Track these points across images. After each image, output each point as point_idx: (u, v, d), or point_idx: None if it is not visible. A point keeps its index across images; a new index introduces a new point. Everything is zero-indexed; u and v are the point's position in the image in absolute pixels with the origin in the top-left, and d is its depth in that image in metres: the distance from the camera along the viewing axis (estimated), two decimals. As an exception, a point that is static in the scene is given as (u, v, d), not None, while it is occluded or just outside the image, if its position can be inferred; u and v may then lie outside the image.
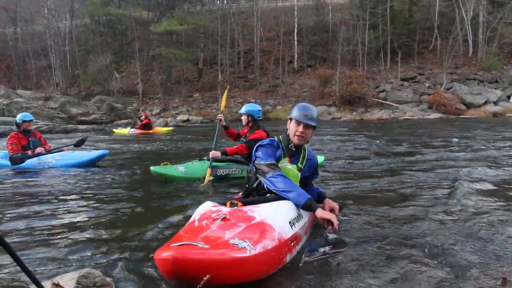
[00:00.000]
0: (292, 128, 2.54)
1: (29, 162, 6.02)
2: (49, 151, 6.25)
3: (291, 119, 2.56)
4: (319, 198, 2.72)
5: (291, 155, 2.61)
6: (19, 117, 6.22)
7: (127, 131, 15.42)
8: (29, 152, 6.11)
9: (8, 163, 6.01)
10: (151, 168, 4.58)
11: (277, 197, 2.36)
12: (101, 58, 32.59)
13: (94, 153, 6.27)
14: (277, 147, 2.58)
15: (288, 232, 2.00)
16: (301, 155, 2.65)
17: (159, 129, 16.35)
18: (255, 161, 2.52)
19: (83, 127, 18.92)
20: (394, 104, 25.71)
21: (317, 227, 2.64)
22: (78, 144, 6.73)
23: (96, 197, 3.86)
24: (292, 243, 2.02)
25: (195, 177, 4.59)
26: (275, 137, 2.68)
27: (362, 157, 6.52)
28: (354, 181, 4.41)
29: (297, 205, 2.31)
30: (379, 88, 28.40)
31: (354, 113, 25.38)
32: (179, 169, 4.60)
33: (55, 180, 4.93)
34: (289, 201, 2.30)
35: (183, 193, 4.06)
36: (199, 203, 2.41)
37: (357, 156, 6.75)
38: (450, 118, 20.92)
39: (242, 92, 31.89)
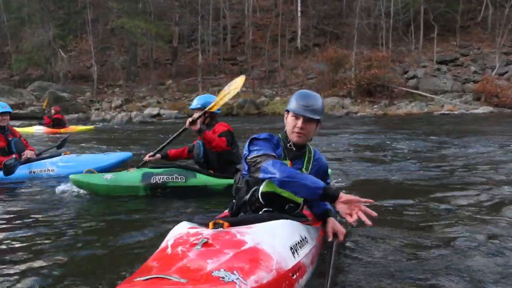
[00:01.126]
0: (289, 123, 2.58)
1: (17, 172, 5.51)
2: (38, 156, 5.96)
3: (288, 111, 2.60)
4: (323, 215, 2.75)
5: (292, 158, 2.63)
6: None
7: (32, 129, 15.74)
8: (14, 156, 5.52)
9: None
10: (70, 176, 4.56)
11: (274, 215, 2.36)
12: (40, 31, 32.38)
13: (114, 157, 6.09)
14: (277, 144, 2.61)
15: (289, 261, 2.01)
16: (305, 158, 2.69)
17: (75, 128, 16.80)
18: (248, 156, 2.52)
19: (17, 123, 18.71)
20: (429, 95, 25.97)
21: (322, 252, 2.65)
22: (61, 146, 6.73)
23: (45, 219, 3.85)
24: (294, 276, 2.04)
25: (121, 187, 4.52)
26: (274, 134, 2.71)
27: (383, 168, 6.52)
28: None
29: (316, 193, 2.28)
30: (409, 73, 28.70)
31: (375, 106, 25.62)
32: (105, 178, 4.53)
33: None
34: (291, 221, 2.30)
35: (151, 209, 4.08)
36: (173, 223, 2.42)
37: (378, 166, 6.75)
38: (505, 113, 21.05)
39: (229, 78, 31.89)
